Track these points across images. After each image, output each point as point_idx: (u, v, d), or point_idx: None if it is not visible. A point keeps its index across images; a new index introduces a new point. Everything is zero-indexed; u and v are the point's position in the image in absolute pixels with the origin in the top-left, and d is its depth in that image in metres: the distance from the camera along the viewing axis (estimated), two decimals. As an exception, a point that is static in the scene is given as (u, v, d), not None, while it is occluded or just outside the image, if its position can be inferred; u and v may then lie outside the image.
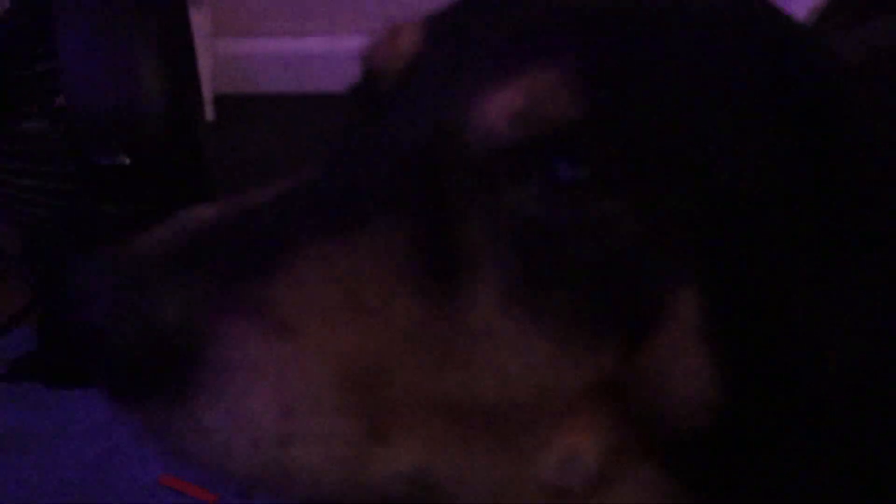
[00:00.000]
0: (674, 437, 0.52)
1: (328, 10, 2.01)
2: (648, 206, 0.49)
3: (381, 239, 0.48)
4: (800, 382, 0.52)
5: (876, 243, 0.53)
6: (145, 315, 0.43)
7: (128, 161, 1.31)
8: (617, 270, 0.49)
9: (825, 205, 0.52)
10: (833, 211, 0.52)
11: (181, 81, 1.45)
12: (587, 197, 0.48)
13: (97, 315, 0.44)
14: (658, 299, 0.49)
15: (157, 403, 0.44)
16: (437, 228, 0.50)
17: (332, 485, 0.47)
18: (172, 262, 0.45)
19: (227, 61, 2.01)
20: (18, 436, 1.32)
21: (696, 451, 0.52)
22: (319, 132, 1.49)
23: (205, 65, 1.82)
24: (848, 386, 0.52)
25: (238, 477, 0.46)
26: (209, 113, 1.88)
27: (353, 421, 0.46)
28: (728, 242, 0.50)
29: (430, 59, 0.56)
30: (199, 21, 1.79)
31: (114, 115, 1.34)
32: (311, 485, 0.47)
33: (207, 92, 1.86)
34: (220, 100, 1.99)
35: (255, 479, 0.46)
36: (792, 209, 0.51)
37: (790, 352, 0.52)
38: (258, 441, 0.45)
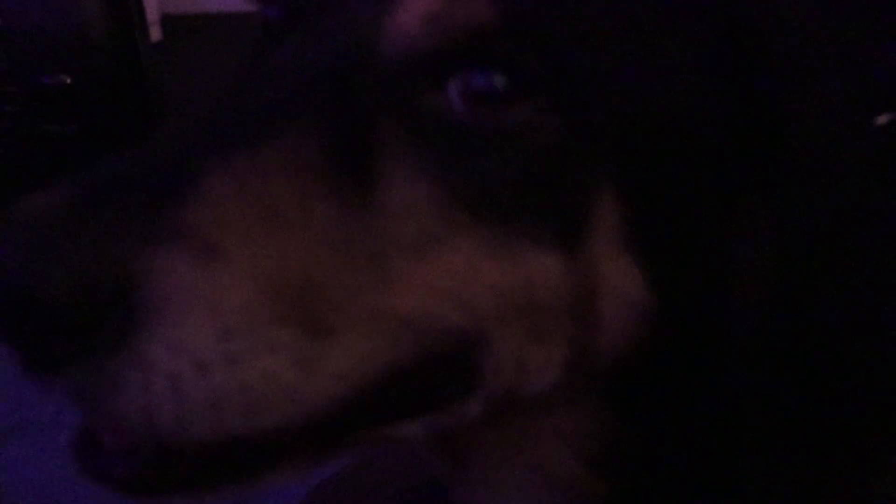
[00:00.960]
0: (612, 360, 0.52)
1: None
2: (565, 115, 0.48)
3: (292, 150, 0.47)
4: (714, 302, 0.52)
5: (789, 171, 0.51)
6: (69, 264, 0.39)
7: (69, 80, 1.36)
8: (538, 175, 0.49)
9: (738, 128, 0.52)
10: (746, 135, 0.52)
11: (122, 2, 1.46)
12: (502, 105, 0.47)
13: (12, 275, 0.40)
14: (581, 205, 0.50)
15: (94, 356, 0.40)
16: (352, 138, 0.49)
17: (285, 396, 0.46)
18: (80, 209, 0.41)
19: None
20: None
21: (629, 382, 0.53)
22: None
23: None
24: (758, 309, 0.52)
25: (180, 421, 0.44)
26: (156, 33, 1.89)
27: (292, 329, 0.45)
28: (645, 154, 0.51)
29: None
30: None
31: (55, 36, 1.36)
32: (264, 402, 0.46)
33: (154, 13, 1.86)
34: (167, 20, 1.98)
35: (199, 418, 0.44)
36: (706, 126, 0.51)
37: (704, 267, 0.52)
38: (204, 366, 0.43)
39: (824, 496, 0.55)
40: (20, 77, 1.39)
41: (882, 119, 0.59)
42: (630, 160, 0.50)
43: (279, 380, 0.45)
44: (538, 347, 0.51)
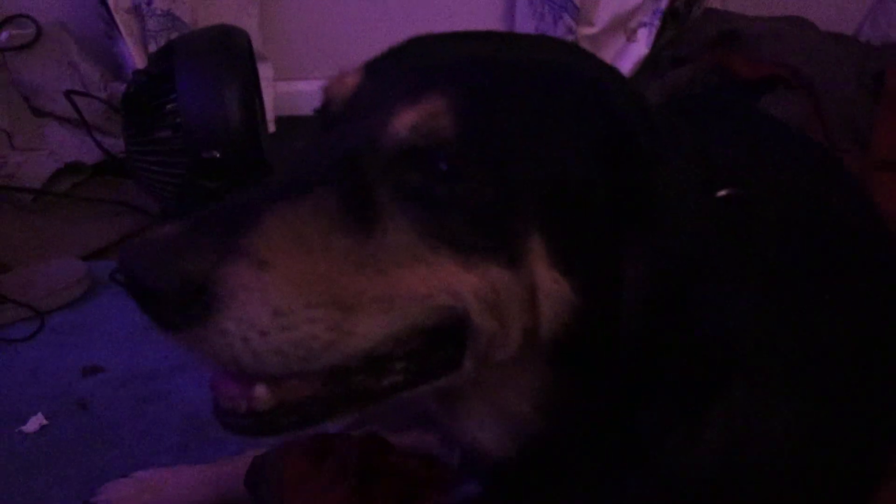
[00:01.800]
0: (550, 338, 0.61)
1: (348, 61, 2.38)
2: (495, 188, 0.58)
3: (321, 202, 0.57)
4: (613, 300, 0.60)
5: (650, 220, 0.60)
6: (174, 269, 0.52)
7: (218, 155, 1.61)
8: (485, 222, 0.58)
9: (620, 191, 0.60)
10: (621, 195, 0.60)
11: (253, 108, 1.69)
12: (454, 180, 0.57)
13: (142, 274, 0.53)
14: (518, 240, 0.58)
15: (193, 325, 0.53)
16: (361, 195, 0.58)
17: (325, 348, 0.56)
18: (185, 235, 0.54)
19: (283, 95, 2.27)
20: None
21: (563, 352, 0.62)
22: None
23: (268, 97, 2.07)
24: (635, 306, 0.59)
25: (258, 361, 0.54)
26: (271, 127, 2.15)
27: (324, 308, 0.56)
28: (557, 209, 0.59)
29: (364, 92, 0.64)
30: (265, 70, 2.01)
31: (211, 128, 1.62)
32: (311, 352, 0.56)
33: (270, 113, 2.13)
34: (278, 119, 2.24)
35: (270, 360, 0.55)
36: (595, 191, 0.60)
37: (605, 277, 0.60)
38: (264, 332, 0.54)
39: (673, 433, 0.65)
40: (187, 151, 1.63)
41: (721, 193, 0.65)
42: (547, 212, 0.58)
43: (320, 338, 0.56)
44: (502, 329, 0.61)
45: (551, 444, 0.67)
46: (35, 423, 1.31)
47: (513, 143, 0.58)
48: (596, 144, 0.60)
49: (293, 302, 0.55)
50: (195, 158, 1.63)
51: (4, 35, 1.99)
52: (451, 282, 0.58)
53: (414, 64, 0.64)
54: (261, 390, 0.58)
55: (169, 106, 1.64)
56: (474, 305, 0.59)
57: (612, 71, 0.69)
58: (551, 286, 0.59)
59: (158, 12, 1.97)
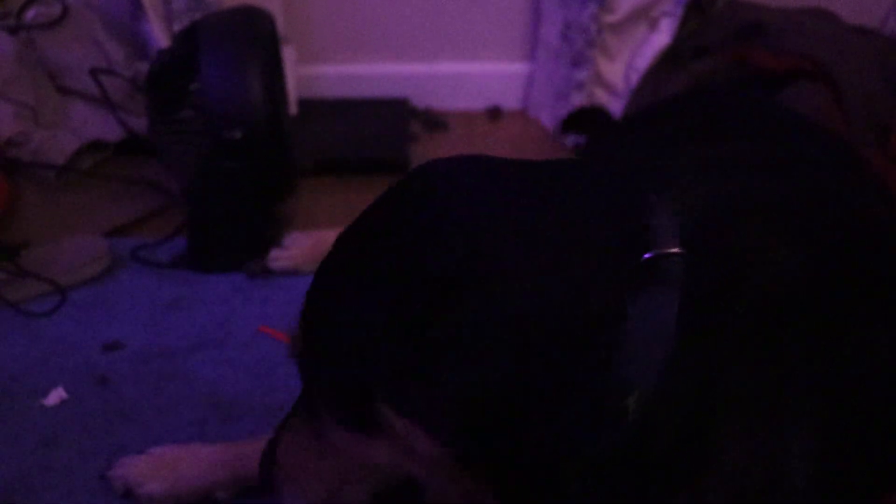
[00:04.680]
0: None
1: (371, 45, 2.31)
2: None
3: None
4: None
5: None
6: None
7: (240, 136, 1.61)
8: None
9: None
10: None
11: (275, 90, 1.70)
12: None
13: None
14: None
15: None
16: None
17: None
18: None
19: (305, 78, 2.34)
20: (177, 300, 1.59)
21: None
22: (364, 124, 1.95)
23: (291, 80, 2.09)
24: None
25: None
26: (293, 109, 2.20)
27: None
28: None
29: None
30: (288, 53, 2.06)
31: (233, 109, 1.61)
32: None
33: (292, 96, 2.16)
34: (301, 102, 2.31)
35: None
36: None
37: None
38: None
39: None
40: (209, 132, 1.63)
41: (647, 256, 0.62)
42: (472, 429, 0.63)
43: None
44: None
45: None
46: (56, 396, 1.34)
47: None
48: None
49: None
50: (217, 139, 1.63)
51: (31, 13, 2.01)
52: None
53: None
54: None
55: (192, 86, 1.64)
56: None
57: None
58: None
59: (184, -8, 1.93)
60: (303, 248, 1.63)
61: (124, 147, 2.04)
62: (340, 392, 0.65)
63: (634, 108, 1.93)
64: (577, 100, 2.15)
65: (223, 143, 1.63)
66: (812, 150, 0.98)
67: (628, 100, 2.12)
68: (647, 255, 0.60)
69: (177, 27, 1.97)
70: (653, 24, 2.16)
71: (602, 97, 2.23)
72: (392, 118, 2.35)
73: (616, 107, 2.21)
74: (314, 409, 0.72)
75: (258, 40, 1.66)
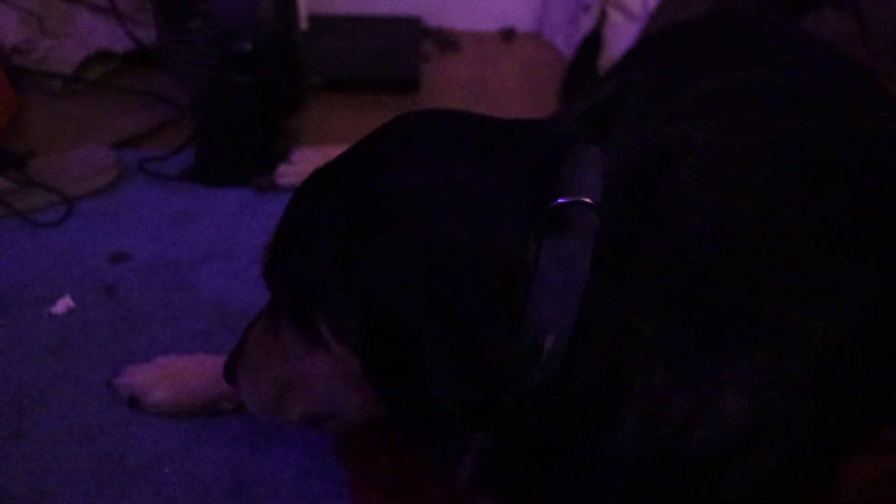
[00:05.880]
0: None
1: None
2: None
3: None
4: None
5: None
6: None
7: (250, 47, 1.62)
8: None
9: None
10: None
11: (286, 3, 1.68)
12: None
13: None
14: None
15: None
16: None
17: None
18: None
19: None
20: (184, 213, 1.59)
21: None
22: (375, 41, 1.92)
23: None
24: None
25: None
26: (303, 23, 2.16)
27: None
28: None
29: None
30: None
31: (242, 20, 1.61)
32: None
33: (304, 10, 2.11)
34: (312, 17, 2.30)
35: None
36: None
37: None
38: None
39: None
40: (218, 43, 1.61)
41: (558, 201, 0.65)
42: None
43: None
44: None
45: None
46: (63, 305, 1.35)
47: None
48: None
49: None
50: (225, 50, 1.62)
51: (37, -84, 1.93)
52: None
53: None
54: None
55: (200, -3, 1.57)
56: None
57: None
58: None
59: None
60: (311, 163, 1.60)
61: (132, 58, 2.03)
62: (292, 297, 0.72)
63: (652, 31, 1.85)
64: (587, 23, 2.06)
65: (232, 55, 1.62)
66: (830, 81, 0.96)
67: (646, 22, 2.06)
68: (553, 203, 0.64)
69: (186, -65, 1.94)
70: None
71: (617, 19, 2.17)
72: (404, 37, 2.32)
73: (632, 30, 2.16)
74: (276, 311, 0.78)
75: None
